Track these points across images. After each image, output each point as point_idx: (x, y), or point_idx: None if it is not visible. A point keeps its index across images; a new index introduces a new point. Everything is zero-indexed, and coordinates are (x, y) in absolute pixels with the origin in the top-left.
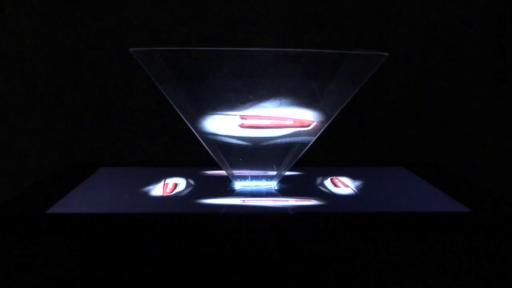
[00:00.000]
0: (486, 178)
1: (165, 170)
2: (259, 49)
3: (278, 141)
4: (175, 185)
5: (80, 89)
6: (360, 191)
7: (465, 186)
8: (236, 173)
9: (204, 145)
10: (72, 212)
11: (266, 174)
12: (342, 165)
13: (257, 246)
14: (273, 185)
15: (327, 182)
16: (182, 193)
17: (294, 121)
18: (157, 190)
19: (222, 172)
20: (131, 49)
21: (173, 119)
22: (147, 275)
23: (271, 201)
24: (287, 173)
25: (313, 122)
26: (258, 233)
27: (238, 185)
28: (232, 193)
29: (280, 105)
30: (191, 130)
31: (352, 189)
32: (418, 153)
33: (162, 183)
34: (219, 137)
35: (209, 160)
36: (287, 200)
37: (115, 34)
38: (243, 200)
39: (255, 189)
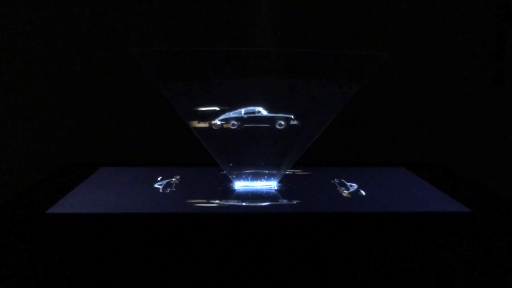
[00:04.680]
0: (486, 178)
1: (165, 170)
2: (259, 49)
3: (278, 141)
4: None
5: (80, 89)
6: (360, 191)
7: (465, 186)
8: (236, 173)
9: (204, 145)
10: (72, 212)
11: (266, 174)
12: (342, 165)
13: (257, 246)
14: (273, 185)
15: (327, 182)
16: (182, 193)
17: (294, 121)
18: (157, 190)
19: (222, 172)
20: (131, 48)
21: (173, 119)
22: (147, 274)
23: (271, 201)
24: (287, 173)
25: (313, 122)
26: (258, 233)
27: (238, 185)
28: (232, 193)
29: (280, 105)
30: (191, 130)
31: (353, 189)
32: (418, 153)
33: (162, 183)
34: (219, 137)
35: (209, 160)
36: (287, 200)
37: (115, 34)
38: (243, 200)
39: (255, 189)
